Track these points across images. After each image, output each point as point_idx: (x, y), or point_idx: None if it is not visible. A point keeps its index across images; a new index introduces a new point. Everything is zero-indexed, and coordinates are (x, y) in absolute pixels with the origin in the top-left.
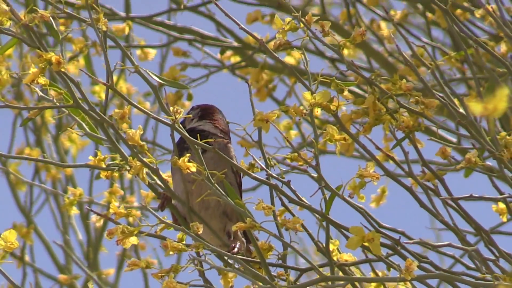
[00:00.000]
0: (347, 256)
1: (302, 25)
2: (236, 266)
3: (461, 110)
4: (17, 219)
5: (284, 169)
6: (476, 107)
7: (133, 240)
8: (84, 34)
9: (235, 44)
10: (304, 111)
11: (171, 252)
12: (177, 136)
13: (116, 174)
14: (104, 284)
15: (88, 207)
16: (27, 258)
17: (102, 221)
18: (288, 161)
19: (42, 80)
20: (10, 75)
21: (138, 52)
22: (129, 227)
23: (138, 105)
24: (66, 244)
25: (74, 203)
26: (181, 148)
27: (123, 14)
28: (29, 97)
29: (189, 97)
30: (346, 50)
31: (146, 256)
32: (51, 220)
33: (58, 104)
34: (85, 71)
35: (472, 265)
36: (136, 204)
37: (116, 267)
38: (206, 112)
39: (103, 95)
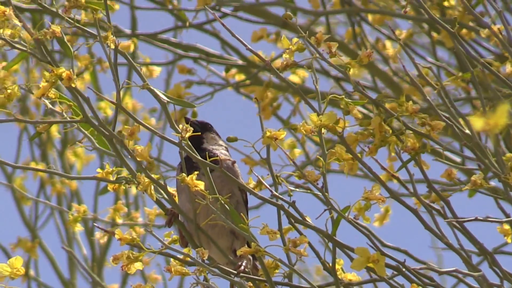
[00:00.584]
0: (352, 276)
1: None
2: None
3: (467, 131)
4: (22, 233)
5: (291, 188)
6: (477, 123)
7: (138, 265)
8: (90, 51)
9: (240, 62)
10: (312, 129)
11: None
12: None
13: (123, 187)
14: None
15: (93, 224)
16: (31, 272)
17: (106, 238)
18: (295, 178)
19: (52, 94)
20: (18, 88)
21: (143, 69)
22: (134, 252)
23: (144, 123)
24: (71, 259)
25: (78, 220)
26: (188, 166)
27: (128, 31)
28: (35, 112)
29: (194, 115)
30: (351, 69)
31: (150, 271)
32: (56, 235)
33: (67, 118)
34: (92, 88)
35: (474, 284)
36: (140, 220)
37: (120, 282)
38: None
39: (109, 111)
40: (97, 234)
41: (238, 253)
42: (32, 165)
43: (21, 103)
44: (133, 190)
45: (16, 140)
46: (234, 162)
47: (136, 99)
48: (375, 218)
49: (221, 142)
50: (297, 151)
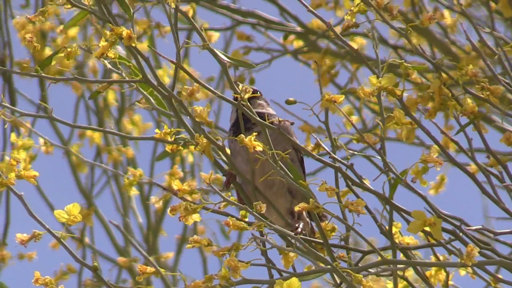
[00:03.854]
0: (409, 239)
1: (371, 8)
2: (298, 245)
3: None
4: (77, 200)
5: (349, 151)
6: None
7: (196, 217)
8: (148, 15)
9: (298, 29)
10: (371, 92)
11: (233, 230)
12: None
13: (181, 149)
14: (163, 267)
15: (152, 185)
16: (86, 240)
17: (161, 202)
18: (354, 142)
19: (112, 53)
20: (77, 47)
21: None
22: (192, 204)
23: (205, 84)
24: (126, 227)
25: (133, 184)
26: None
27: None
28: (93, 79)
29: (251, 81)
30: (411, 36)
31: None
32: (112, 202)
33: (126, 78)
34: (152, 48)
35: None
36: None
37: (175, 250)
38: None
39: (166, 79)
40: (153, 198)
41: (296, 208)
42: (89, 132)
43: (78, 70)
44: (190, 158)
45: (73, 108)
46: (292, 123)
47: (193, 67)
48: (431, 186)
49: (269, 108)
50: (354, 118)
